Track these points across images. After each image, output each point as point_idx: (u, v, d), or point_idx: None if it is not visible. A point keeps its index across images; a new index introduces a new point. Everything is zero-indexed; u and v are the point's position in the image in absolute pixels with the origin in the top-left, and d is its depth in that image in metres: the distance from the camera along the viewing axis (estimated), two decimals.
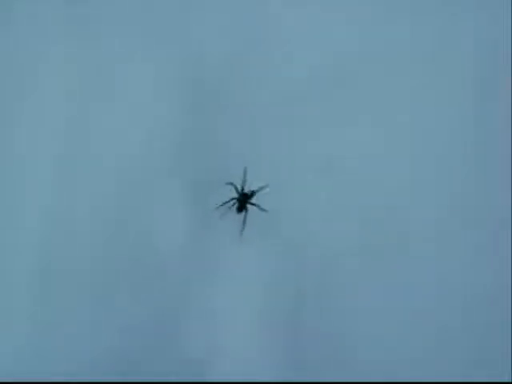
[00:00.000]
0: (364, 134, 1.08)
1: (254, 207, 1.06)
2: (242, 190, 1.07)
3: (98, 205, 1.07)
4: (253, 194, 1.06)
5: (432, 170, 1.07)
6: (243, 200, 1.07)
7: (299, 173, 1.07)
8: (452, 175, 1.06)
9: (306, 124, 1.08)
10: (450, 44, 1.09)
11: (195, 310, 1.04)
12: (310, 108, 1.09)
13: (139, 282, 1.05)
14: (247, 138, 1.08)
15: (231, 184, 1.07)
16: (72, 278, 1.05)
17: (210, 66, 1.10)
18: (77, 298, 1.05)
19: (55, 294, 1.05)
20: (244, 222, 1.06)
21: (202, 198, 1.07)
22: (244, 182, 1.06)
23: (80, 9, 1.10)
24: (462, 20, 1.09)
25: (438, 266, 1.04)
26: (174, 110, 1.09)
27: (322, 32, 1.10)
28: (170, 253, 1.06)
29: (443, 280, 1.04)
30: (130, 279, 1.05)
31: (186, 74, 1.10)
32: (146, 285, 1.05)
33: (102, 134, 1.09)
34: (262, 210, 1.06)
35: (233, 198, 1.06)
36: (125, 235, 1.06)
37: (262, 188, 1.06)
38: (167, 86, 1.10)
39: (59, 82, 1.09)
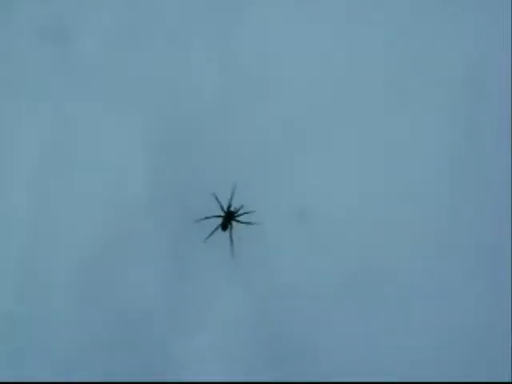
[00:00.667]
0: (341, 182, 1.05)
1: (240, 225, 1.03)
2: (228, 207, 1.04)
3: (74, 254, 1.05)
4: (238, 210, 1.03)
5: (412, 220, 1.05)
6: (228, 217, 1.03)
7: (273, 219, 1.04)
8: (436, 221, 1.04)
9: (281, 171, 1.06)
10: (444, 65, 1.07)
11: (174, 360, 1.03)
12: (285, 154, 1.06)
13: (116, 333, 1.03)
14: (221, 180, 1.05)
15: (216, 199, 1.03)
16: (48, 330, 1.04)
17: (184, 105, 1.07)
18: (53, 352, 1.03)
19: (31, 344, 1.03)
20: (231, 240, 1.03)
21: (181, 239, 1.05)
22: (230, 199, 1.03)
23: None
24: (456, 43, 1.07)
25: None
26: (149, 149, 1.07)
27: (295, 82, 1.07)
28: (148, 302, 1.04)
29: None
30: (107, 330, 1.04)
31: (161, 113, 1.07)
32: (124, 336, 1.03)
33: (72, 181, 1.07)
34: (249, 224, 1.03)
35: (217, 216, 1.03)
36: (101, 285, 1.05)
37: (247, 212, 1.03)
38: (141, 125, 1.07)
39: (33, 129, 1.08)
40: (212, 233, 1.03)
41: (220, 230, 1.03)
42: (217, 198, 1.03)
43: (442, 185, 1.04)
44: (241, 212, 1.03)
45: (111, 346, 1.03)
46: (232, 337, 1.03)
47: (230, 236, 1.02)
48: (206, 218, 1.03)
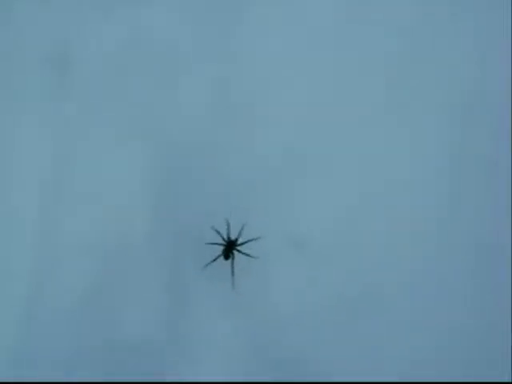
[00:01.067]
0: (341, 207, 1.07)
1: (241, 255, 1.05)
2: (228, 236, 1.05)
3: (72, 286, 1.06)
4: (237, 239, 1.05)
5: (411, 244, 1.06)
6: (230, 246, 1.05)
7: (271, 248, 1.06)
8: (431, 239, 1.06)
9: (279, 199, 1.08)
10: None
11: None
12: (283, 183, 1.08)
13: (115, 360, 1.04)
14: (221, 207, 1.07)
15: (216, 231, 1.05)
16: (46, 357, 1.04)
17: (181, 133, 1.10)
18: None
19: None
20: (232, 270, 1.05)
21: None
22: (228, 229, 1.05)
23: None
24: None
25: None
26: (148, 177, 1.09)
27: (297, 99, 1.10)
28: (147, 333, 1.05)
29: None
30: (105, 359, 1.04)
31: (159, 140, 1.09)
32: (120, 363, 1.04)
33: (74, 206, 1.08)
34: (251, 256, 1.04)
35: (219, 244, 1.05)
36: (98, 312, 1.05)
37: (250, 240, 1.05)
38: (140, 152, 1.09)
39: (31, 161, 1.09)
40: (213, 261, 1.05)
41: (222, 259, 1.05)
42: (217, 230, 1.05)
43: (442, 197, 1.06)
44: (243, 241, 1.05)
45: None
46: (230, 366, 1.04)
47: (232, 266, 1.04)
48: (210, 243, 1.04)
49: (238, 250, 1.05)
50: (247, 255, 1.04)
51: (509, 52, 1.07)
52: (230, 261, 1.05)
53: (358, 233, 1.06)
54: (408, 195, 1.06)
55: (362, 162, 1.07)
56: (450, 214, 1.05)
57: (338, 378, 1.01)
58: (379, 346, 1.02)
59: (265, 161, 1.08)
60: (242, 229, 1.05)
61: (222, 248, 1.05)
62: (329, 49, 1.10)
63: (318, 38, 1.10)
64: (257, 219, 1.06)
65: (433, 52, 1.09)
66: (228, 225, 1.05)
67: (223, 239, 1.05)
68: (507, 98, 1.06)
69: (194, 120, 1.09)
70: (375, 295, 1.04)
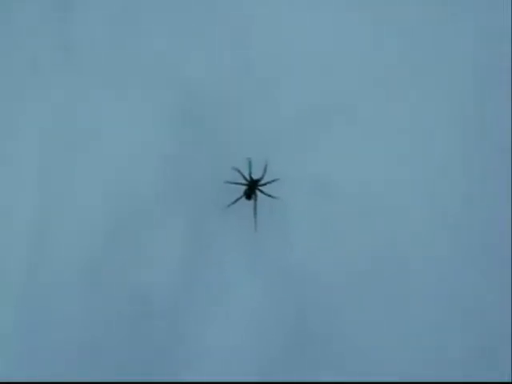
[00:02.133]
0: (365, 157, 1.06)
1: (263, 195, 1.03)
2: (250, 176, 1.03)
3: (91, 238, 1.04)
4: (261, 179, 1.03)
5: (435, 198, 1.05)
6: (252, 186, 1.03)
7: (297, 193, 1.04)
8: (455, 202, 1.05)
9: (304, 147, 1.06)
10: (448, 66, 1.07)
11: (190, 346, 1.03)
12: (309, 133, 1.06)
13: (134, 317, 1.03)
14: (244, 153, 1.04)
15: (237, 171, 1.03)
16: (64, 314, 1.03)
17: (201, 86, 1.07)
18: (68, 336, 1.03)
19: (46, 335, 1.03)
20: (255, 210, 1.03)
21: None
22: (250, 170, 1.03)
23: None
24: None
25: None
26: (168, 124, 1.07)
27: (319, 59, 1.07)
28: (165, 283, 1.03)
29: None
30: (125, 315, 1.03)
31: (178, 92, 1.07)
32: (143, 320, 1.03)
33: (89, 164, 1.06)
34: (272, 197, 1.02)
35: (241, 184, 1.04)
36: (118, 268, 1.04)
37: (272, 180, 1.03)
38: (155, 104, 1.07)
39: (42, 116, 1.07)
40: (235, 201, 1.03)
41: (244, 198, 1.03)
42: (238, 170, 1.03)
43: (469, 170, 1.05)
44: (265, 181, 1.03)
45: (124, 334, 1.03)
46: (248, 323, 1.03)
47: (254, 206, 1.03)
48: (230, 183, 1.03)
49: (261, 190, 1.03)
50: (269, 196, 1.03)
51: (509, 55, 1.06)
52: (252, 201, 1.03)
53: (381, 178, 1.05)
54: (439, 153, 1.05)
55: (387, 112, 1.06)
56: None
57: (350, 339, 1.01)
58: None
59: (290, 108, 1.06)
60: (266, 168, 1.03)
61: (244, 188, 1.03)
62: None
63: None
64: (279, 161, 1.04)
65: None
66: (250, 164, 1.03)
67: (245, 179, 1.03)
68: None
69: (216, 70, 1.07)
70: (396, 246, 1.03)
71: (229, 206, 1.03)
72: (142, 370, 1.01)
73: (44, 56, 1.07)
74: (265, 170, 1.03)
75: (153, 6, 1.08)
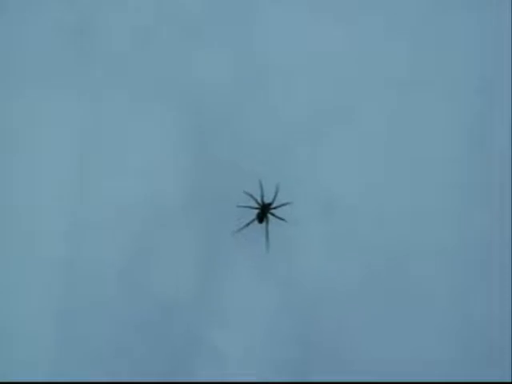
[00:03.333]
0: (366, 171, 1.07)
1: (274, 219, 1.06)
2: (262, 200, 1.06)
3: (111, 251, 1.07)
4: (272, 203, 1.06)
5: (436, 206, 1.06)
6: (264, 210, 1.06)
7: (300, 211, 1.06)
8: (456, 207, 1.06)
9: (306, 163, 1.08)
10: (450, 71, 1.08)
11: (206, 351, 1.06)
12: (311, 146, 1.08)
13: (150, 325, 1.06)
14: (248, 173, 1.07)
15: (250, 195, 1.06)
16: (83, 326, 1.06)
17: (212, 100, 1.09)
18: (86, 346, 1.06)
19: (68, 342, 1.06)
20: (267, 233, 1.06)
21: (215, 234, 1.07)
22: (262, 194, 1.06)
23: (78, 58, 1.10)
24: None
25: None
26: (180, 143, 1.09)
27: (321, 65, 1.09)
28: (182, 295, 1.07)
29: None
30: (141, 323, 1.06)
31: (187, 108, 1.09)
32: (157, 328, 1.06)
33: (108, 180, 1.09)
34: (284, 220, 1.05)
35: (254, 208, 1.06)
36: (136, 280, 1.07)
37: (283, 204, 1.05)
38: (170, 120, 1.09)
39: (60, 136, 1.09)
40: (247, 224, 1.06)
41: (257, 222, 1.06)
42: (250, 194, 1.05)
43: (476, 180, 1.06)
44: (276, 204, 1.05)
45: (140, 338, 1.06)
46: (258, 330, 1.06)
47: (266, 229, 1.05)
48: (242, 206, 1.05)
49: (273, 214, 1.06)
50: (281, 219, 1.05)
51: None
52: (263, 224, 1.06)
53: (390, 199, 1.06)
54: (441, 161, 1.07)
55: (394, 128, 1.07)
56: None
57: (359, 347, 1.04)
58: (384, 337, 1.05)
59: (297, 126, 1.08)
60: (277, 192, 1.06)
61: (256, 211, 1.06)
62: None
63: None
64: (290, 184, 1.06)
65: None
66: (262, 188, 1.06)
67: (257, 202, 1.06)
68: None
69: (225, 83, 1.09)
70: (404, 265, 1.05)
71: (241, 229, 1.06)
72: (161, 372, 1.05)
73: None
74: (276, 194, 1.05)
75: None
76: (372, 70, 1.08)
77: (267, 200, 1.06)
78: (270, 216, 1.06)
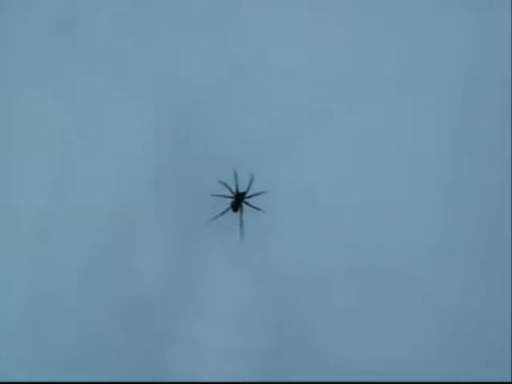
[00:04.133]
0: (345, 164, 1.07)
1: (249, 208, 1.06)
2: (237, 189, 1.06)
3: (81, 242, 1.08)
4: (247, 192, 1.06)
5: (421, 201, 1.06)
6: (238, 199, 1.06)
7: (281, 200, 1.06)
8: (439, 201, 1.06)
9: (288, 152, 1.08)
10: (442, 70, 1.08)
11: (180, 341, 1.06)
12: (294, 136, 1.08)
13: (125, 315, 1.06)
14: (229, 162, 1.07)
15: (224, 184, 1.06)
16: (59, 313, 1.07)
17: (190, 93, 1.10)
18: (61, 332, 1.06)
19: (43, 331, 1.07)
20: (241, 222, 1.06)
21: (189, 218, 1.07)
22: (236, 183, 1.06)
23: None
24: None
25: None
26: (156, 136, 1.10)
27: (307, 61, 1.09)
28: (155, 285, 1.07)
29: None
30: (117, 312, 1.07)
31: (167, 100, 1.10)
32: (132, 318, 1.06)
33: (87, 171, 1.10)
34: (258, 209, 1.05)
35: (228, 197, 1.06)
36: (110, 269, 1.08)
37: (258, 193, 1.05)
38: (147, 112, 1.10)
39: (33, 133, 1.10)
40: (222, 213, 1.06)
41: (231, 211, 1.06)
42: (224, 183, 1.06)
43: (447, 171, 1.06)
44: (251, 194, 1.06)
45: (115, 333, 1.06)
46: (233, 319, 1.06)
47: (240, 218, 1.06)
48: (217, 195, 1.05)
49: (247, 203, 1.06)
50: (256, 208, 1.06)
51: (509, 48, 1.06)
52: (238, 213, 1.06)
53: (367, 189, 1.06)
54: (418, 152, 1.07)
55: (370, 118, 1.07)
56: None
57: (337, 340, 1.03)
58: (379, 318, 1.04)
59: (275, 118, 1.08)
60: (251, 181, 1.06)
61: (230, 200, 1.06)
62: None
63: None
64: (265, 173, 1.06)
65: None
66: (236, 177, 1.06)
67: (232, 192, 1.06)
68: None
69: (202, 78, 1.10)
70: (380, 255, 1.05)
71: (215, 217, 1.06)
72: (134, 364, 1.05)
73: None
74: (250, 183, 1.06)
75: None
76: (363, 70, 1.09)
77: (242, 189, 1.06)
78: (244, 205, 1.07)
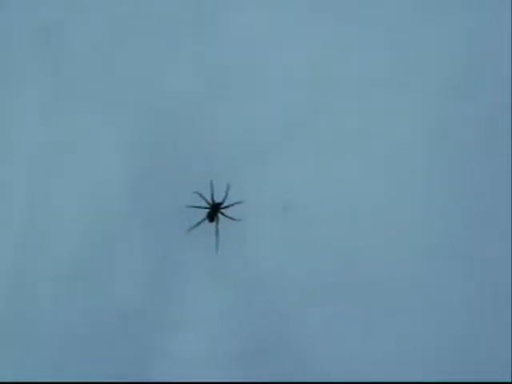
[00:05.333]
0: (322, 172, 1.08)
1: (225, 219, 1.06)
2: (212, 199, 1.06)
3: (59, 254, 1.07)
4: (223, 202, 1.06)
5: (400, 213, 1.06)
6: (214, 209, 1.06)
7: (254, 210, 1.06)
8: (421, 210, 1.06)
9: (265, 166, 1.08)
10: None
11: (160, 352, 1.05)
12: (270, 146, 1.09)
13: (102, 330, 1.06)
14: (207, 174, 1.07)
15: (199, 194, 1.06)
16: (36, 331, 1.06)
17: (167, 103, 1.10)
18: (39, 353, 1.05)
19: (17, 352, 1.05)
20: (217, 232, 1.06)
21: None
22: (212, 193, 1.06)
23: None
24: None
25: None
26: (131, 148, 1.10)
27: (281, 71, 1.10)
28: (132, 297, 1.06)
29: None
30: (93, 327, 1.06)
31: (144, 111, 1.10)
32: (110, 330, 1.06)
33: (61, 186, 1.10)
34: (234, 219, 1.05)
35: (203, 207, 1.06)
36: (84, 283, 1.07)
37: (234, 203, 1.05)
38: (123, 123, 1.10)
39: (7, 137, 1.11)
40: (197, 224, 1.06)
41: (207, 221, 1.06)
42: (199, 194, 1.06)
43: (431, 181, 1.06)
44: (227, 204, 1.05)
45: (94, 345, 1.05)
46: (211, 331, 1.05)
47: (216, 228, 1.05)
48: (193, 207, 1.05)
49: (222, 213, 1.06)
50: (231, 218, 1.05)
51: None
52: (214, 224, 1.06)
53: (342, 197, 1.06)
54: (398, 162, 1.07)
55: (350, 129, 1.08)
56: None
57: (317, 346, 1.02)
58: (368, 326, 1.03)
59: (250, 128, 1.09)
60: (227, 191, 1.06)
61: (206, 211, 1.06)
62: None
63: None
64: (241, 183, 1.06)
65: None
66: (212, 187, 1.06)
67: (207, 202, 1.06)
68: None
69: (177, 88, 1.10)
70: (359, 262, 1.04)
71: (191, 228, 1.06)
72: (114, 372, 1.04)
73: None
74: (226, 194, 1.06)
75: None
76: (337, 76, 1.09)
77: (218, 199, 1.06)
78: (220, 216, 1.06)
